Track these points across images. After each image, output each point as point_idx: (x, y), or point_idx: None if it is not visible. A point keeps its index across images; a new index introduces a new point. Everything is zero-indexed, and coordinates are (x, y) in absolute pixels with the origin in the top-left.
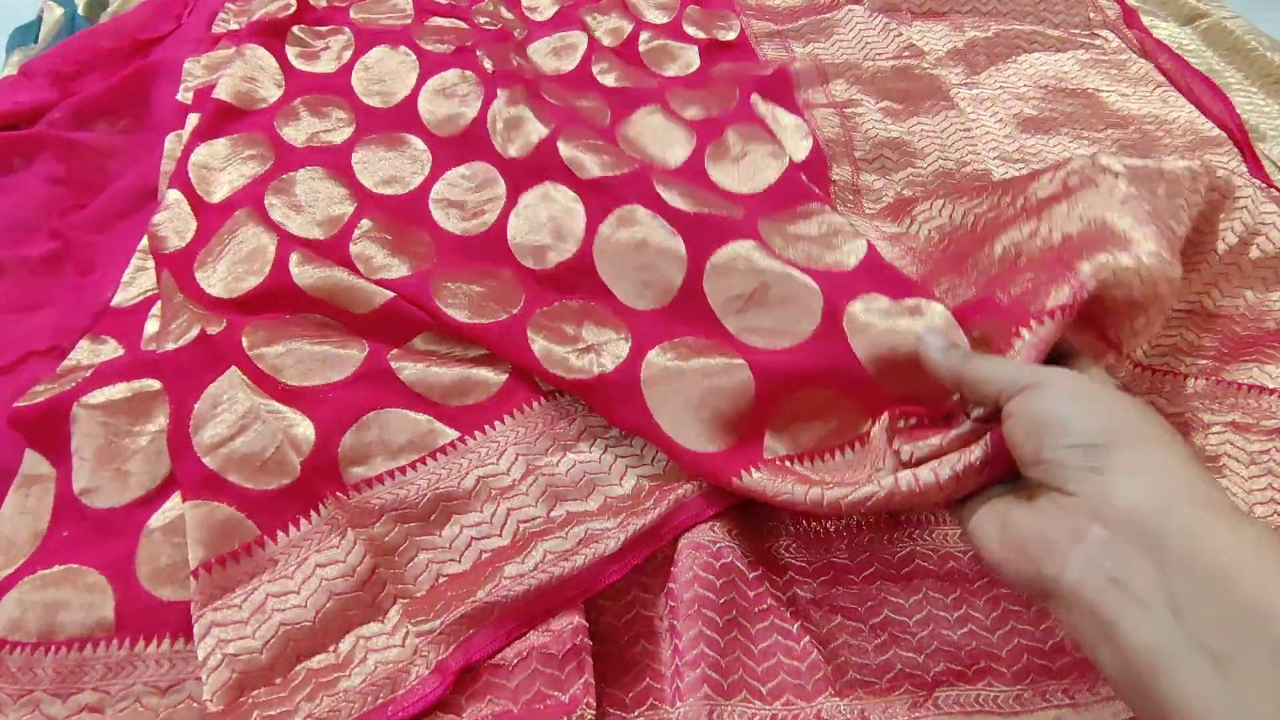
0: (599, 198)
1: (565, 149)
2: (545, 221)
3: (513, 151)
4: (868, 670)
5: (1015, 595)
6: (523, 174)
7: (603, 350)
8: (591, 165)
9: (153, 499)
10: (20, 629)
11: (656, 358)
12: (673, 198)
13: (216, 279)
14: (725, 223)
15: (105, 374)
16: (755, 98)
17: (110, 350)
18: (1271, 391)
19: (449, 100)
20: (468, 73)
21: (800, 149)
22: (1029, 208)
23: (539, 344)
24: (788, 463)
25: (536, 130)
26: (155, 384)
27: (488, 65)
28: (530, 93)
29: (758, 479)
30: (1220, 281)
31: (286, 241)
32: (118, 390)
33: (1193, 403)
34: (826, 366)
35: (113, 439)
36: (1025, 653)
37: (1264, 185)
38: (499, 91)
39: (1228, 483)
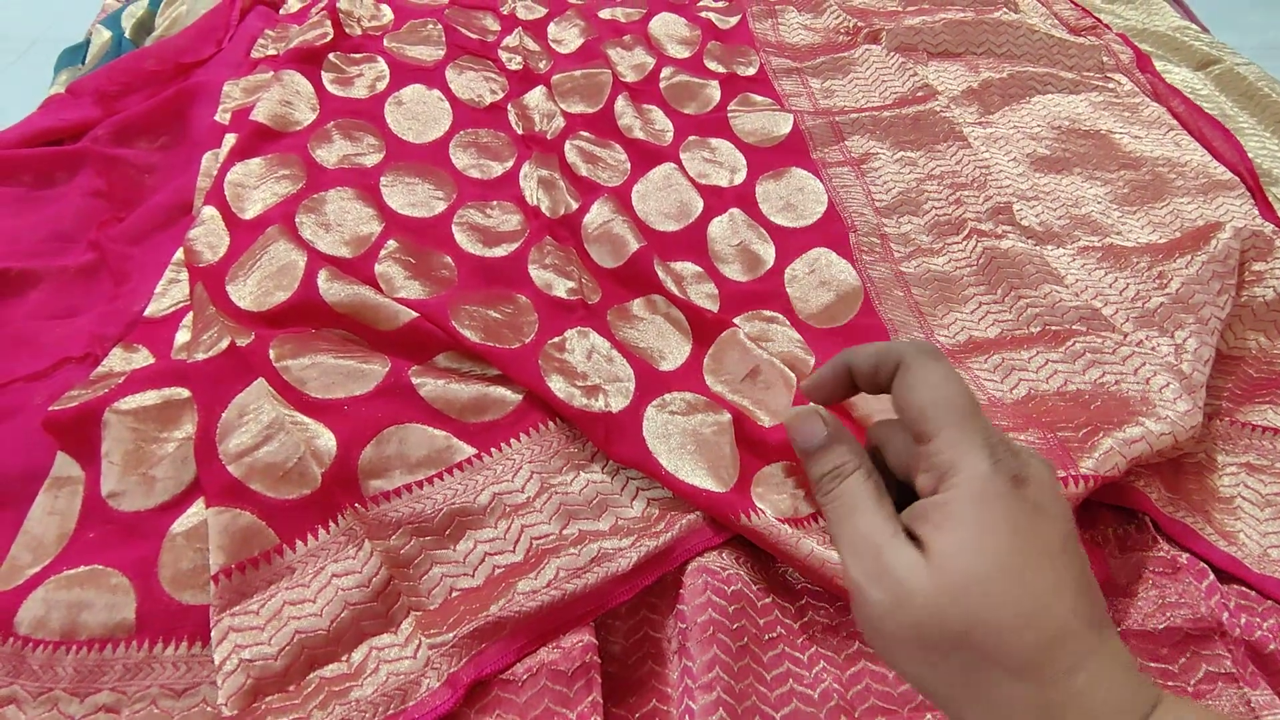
0: (613, 286)
1: (587, 234)
2: (567, 270)
3: (543, 208)
4: (890, 699)
5: None
6: (547, 228)
7: (610, 393)
8: (606, 260)
9: (177, 504)
10: (43, 627)
11: (655, 412)
12: (672, 284)
13: (247, 293)
14: (715, 320)
15: (137, 381)
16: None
17: (142, 358)
18: None
19: (481, 155)
20: (500, 134)
21: (815, 210)
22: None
23: (548, 374)
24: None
25: (565, 202)
26: (184, 392)
27: (518, 128)
28: (560, 165)
29: (758, 523)
30: (1234, 324)
31: (315, 259)
32: (148, 397)
33: (1208, 444)
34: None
35: (141, 444)
36: None
37: (1276, 228)
38: (533, 154)
39: (1243, 525)
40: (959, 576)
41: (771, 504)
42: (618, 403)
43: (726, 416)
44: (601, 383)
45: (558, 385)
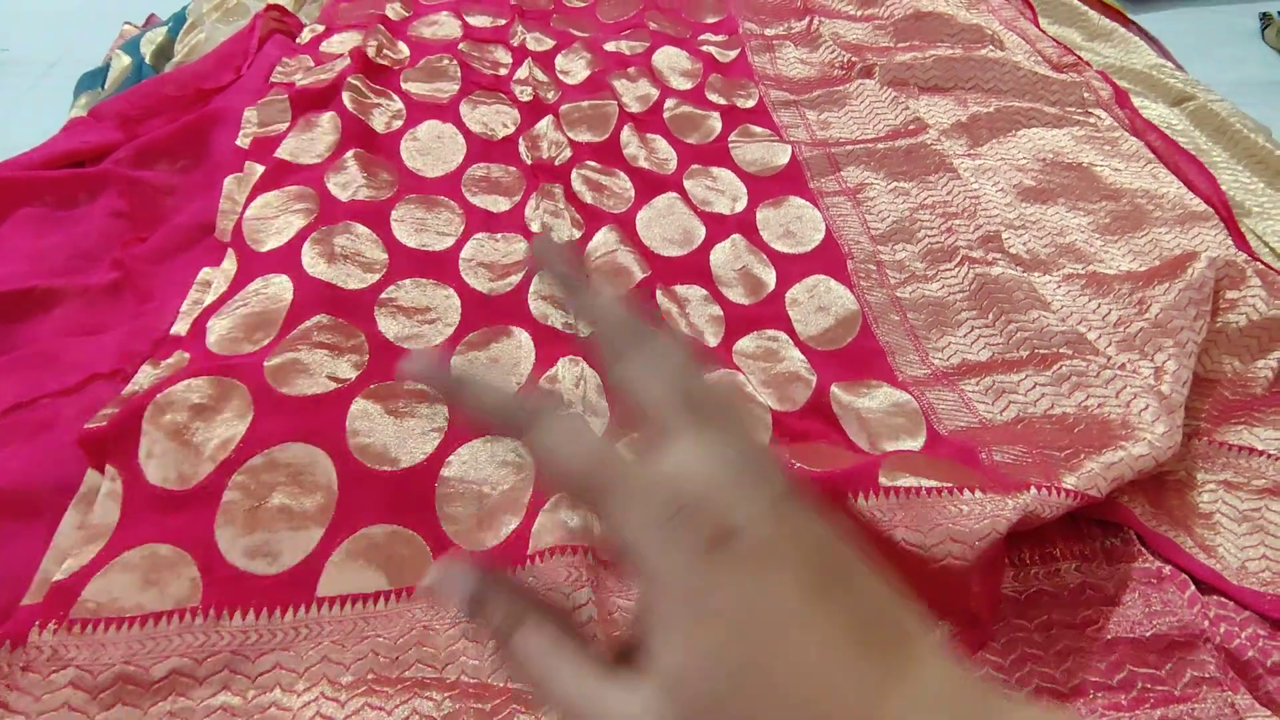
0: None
1: (590, 262)
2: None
3: (552, 238)
4: None
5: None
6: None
7: (590, 422)
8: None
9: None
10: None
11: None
12: (672, 315)
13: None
14: (708, 353)
15: (171, 379)
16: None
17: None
18: (1260, 453)
19: (492, 190)
20: (510, 168)
21: (814, 237)
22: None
23: None
24: None
25: (569, 231)
26: (224, 381)
27: (527, 158)
28: (566, 193)
29: None
30: (1210, 349)
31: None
32: (189, 390)
33: (1188, 462)
34: None
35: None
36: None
37: (1249, 258)
38: (540, 187)
39: (1221, 539)
40: (689, 707)
41: None
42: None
43: None
44: (584, 412)
45: None
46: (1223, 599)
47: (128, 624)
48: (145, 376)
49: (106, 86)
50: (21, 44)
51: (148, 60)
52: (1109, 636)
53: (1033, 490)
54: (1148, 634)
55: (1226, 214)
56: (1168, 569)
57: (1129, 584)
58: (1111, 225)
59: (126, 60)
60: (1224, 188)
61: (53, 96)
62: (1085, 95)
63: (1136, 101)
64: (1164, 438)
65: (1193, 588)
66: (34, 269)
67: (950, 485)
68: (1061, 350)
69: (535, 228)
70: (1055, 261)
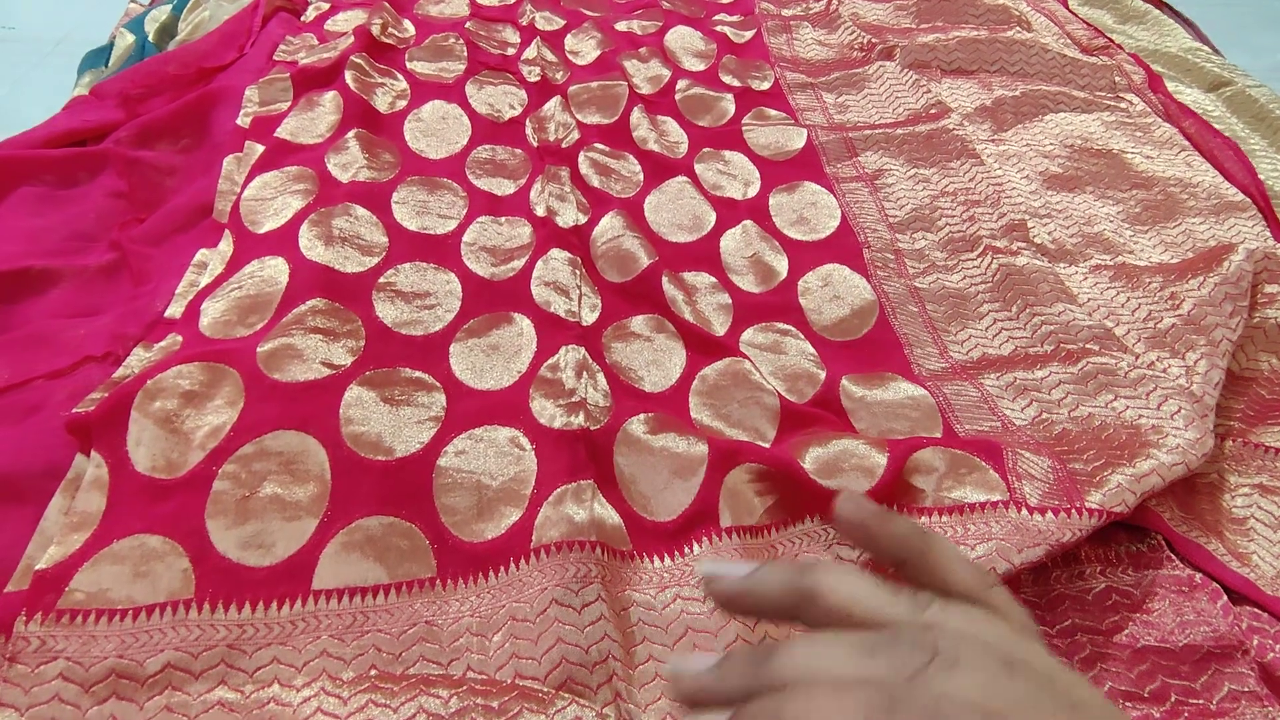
0: (616, 301)
1: (595, 248)
2: (566, 288)
3: (555, 219)
4: None
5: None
6: (556, 238)
7: (592, 413)
8: (613, 275)
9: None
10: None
11: (634, 426)
12: (678, 303)
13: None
14: (714, 342)
15: (163, 364)
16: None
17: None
18: None
19: (496, 173)
20: (516, 150)
21: (829, 224)
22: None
23: (537, 402)
24: (736, 534)
25: (575, 216)
26: (215, 368)
27: (534, 140)
28: (572, 175)
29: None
30: (1246, 345)
31: (309, 276)
32: (179, 376)
33: (1221, 464)
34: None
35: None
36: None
37: None
38: (545, 168)
39: (1256, 546)
40: None
41: (739, 516)
42: (594, 424)
43: (700, 443)
44: (585, 399)
45: (542, 409)
46: (1256, 609)
47: (119, 616)
48: (137, 360)
49: (110, 65)
50: (28, 22)
51: (151, 38)
52: (1139, 645)
53: (1052, 515)
54: (1180, 644)
55: (1265, 204)
56: (1199, 577)
57: (1158, 591)
58: (1142, 215)
59: (130, 39)
60: (1262, 177)
61: (58, 74)
62: (1116, 79)
63: (1170, 86)
64: (1196, 445)
65: (1225, 598)
66: (31, 249)
67: (980, 502)
68: (1088, 346)
69: (540, 211)
70: (1082, 252)
